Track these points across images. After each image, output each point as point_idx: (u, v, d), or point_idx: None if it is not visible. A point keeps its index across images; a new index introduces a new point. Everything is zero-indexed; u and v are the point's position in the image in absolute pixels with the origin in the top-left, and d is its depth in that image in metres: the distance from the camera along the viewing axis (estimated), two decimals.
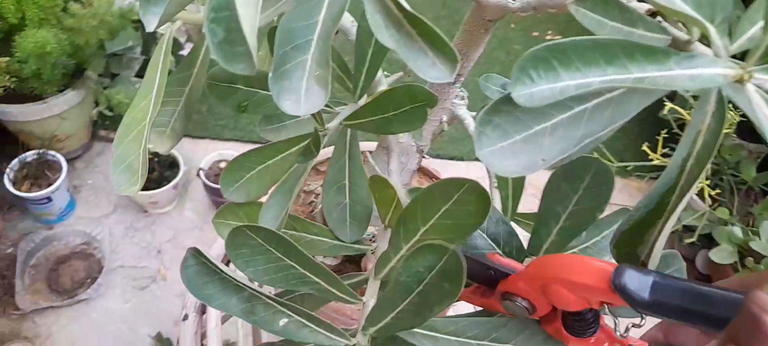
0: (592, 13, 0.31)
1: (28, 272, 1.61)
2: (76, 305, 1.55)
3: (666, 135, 1.66)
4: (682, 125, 1.85)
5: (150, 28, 0.36)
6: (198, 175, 1.72)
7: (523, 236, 0.49)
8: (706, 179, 1.67)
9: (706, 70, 0.29)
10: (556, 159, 0.29)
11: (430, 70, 0.28)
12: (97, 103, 1.79)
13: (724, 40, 0.31)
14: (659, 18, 0.34)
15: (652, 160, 1.70)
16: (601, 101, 0.30)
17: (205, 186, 1.73)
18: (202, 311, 0.90)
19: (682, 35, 0.33)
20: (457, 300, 0.38)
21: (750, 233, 1.59)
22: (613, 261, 0.36)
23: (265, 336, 0.91)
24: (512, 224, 0.48)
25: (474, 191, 0.36)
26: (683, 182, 0.31)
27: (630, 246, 0.33)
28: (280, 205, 0.41)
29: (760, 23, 0.32)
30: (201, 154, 1.78)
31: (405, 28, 0.29)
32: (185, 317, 0.87)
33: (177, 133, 0.54)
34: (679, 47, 0.33)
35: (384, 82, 0.50)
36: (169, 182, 1.69)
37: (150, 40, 1.93)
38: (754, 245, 1.53)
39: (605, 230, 0.55)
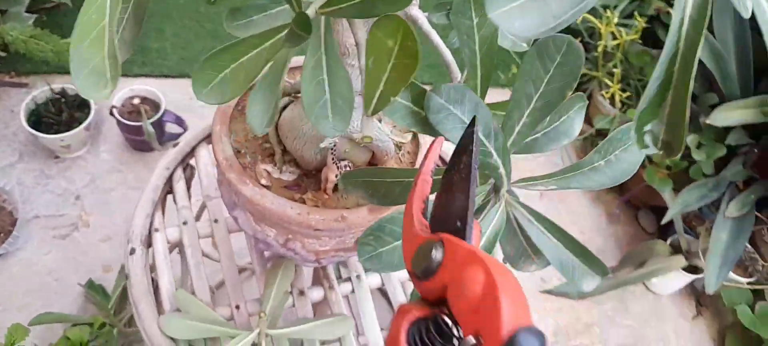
0: None
1: None
2: None
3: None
4: (592, 33, 1.93)
5: None
6: (111, 113, 1.62)
7: None
8: (617, 83, 1.77)
9: None
10: (566, 16, 0.29)
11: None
12: None
13: None
14: None
15: None
16: None
17: (120, 124, 1.64)
18: (148, 243, 0.86)
19: None
20: None
21: None
22: None
23: (213, 269, 0.89)
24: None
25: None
26: (683, 49, 0.32)
27: (647, 122, 0.34)
28: (267, 99, 0.40)
29: None
30: None
31: None
32: (132, 251, 0.83)
33: (127, 44, 0.50)
34: None
35: None
36: (81, 123, 1.58)
37: None
38: None
39: (563, 114, 0.58)
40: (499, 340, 0.28)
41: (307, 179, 0.73)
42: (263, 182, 0.71)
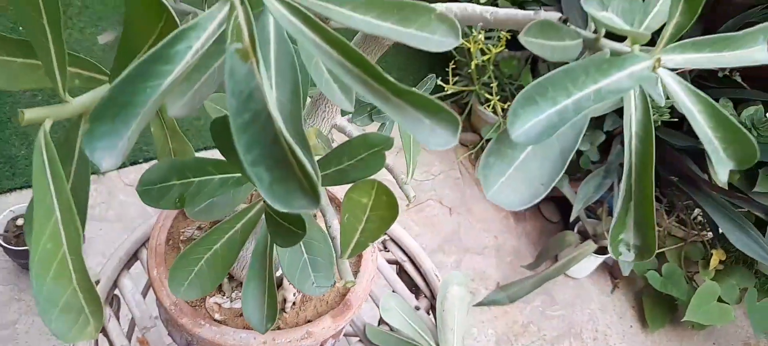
0: (535, 38, 0.34)
1: None
2: None
3: (453, 66, 1.86)
4: (463, 52, 2.03)
5: (105, 168, 0.30)
6: None
7: None
8: (496, 94, 1.87)
9: (634, 67, 0.34)
10: (552, 179, 0.32)
11: (431, 138, 0.29)
12: None
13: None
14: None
15: (446, 91, 1.87)
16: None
17: (6, 250, 1.50)
18: None
19: (588, 34, 0.38)
20: None
21: None
22: None
23: None
24: None
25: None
26: (636, 163, 0.36)
27: (619, 233, 0.38)
28: (259, 291, 0.39)
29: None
30: None
31: (393, 101, 0.29)
32: None
33: None
34: (590, 47, 0.38)
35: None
36: None
37: None
38: None
39: None
40: None
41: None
42: (217, 316, 0.68)
